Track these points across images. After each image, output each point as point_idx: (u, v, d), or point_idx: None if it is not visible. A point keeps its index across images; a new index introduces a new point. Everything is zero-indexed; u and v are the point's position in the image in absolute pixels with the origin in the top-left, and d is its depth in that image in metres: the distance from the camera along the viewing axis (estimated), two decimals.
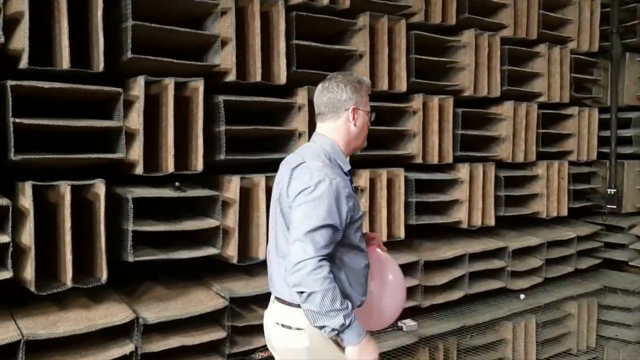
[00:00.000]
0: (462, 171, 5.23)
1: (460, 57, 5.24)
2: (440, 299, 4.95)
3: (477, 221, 5.35)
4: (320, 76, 2.23)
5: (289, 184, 1.95)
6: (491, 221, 5.47)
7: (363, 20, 4.49)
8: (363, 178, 4.51)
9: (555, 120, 6.28)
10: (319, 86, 2.09)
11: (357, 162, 4.56)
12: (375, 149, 4.73)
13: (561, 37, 6.12)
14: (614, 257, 6.62)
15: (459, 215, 5.24)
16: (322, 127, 2.09)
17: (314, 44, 4.20)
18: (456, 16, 5.15)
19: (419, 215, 4.93)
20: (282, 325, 2.01)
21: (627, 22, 6.64)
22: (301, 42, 4.12)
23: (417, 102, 4.88)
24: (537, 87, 5.93)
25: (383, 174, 4.63)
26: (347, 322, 1.82)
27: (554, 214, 6.09)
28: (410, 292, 4.73)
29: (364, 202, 4.49)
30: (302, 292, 1.81)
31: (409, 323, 4.57)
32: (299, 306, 1.88)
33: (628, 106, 6.67)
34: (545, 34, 5.90)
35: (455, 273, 5.05)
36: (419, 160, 4.94)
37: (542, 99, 5.93)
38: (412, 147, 4.91)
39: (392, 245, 4.84)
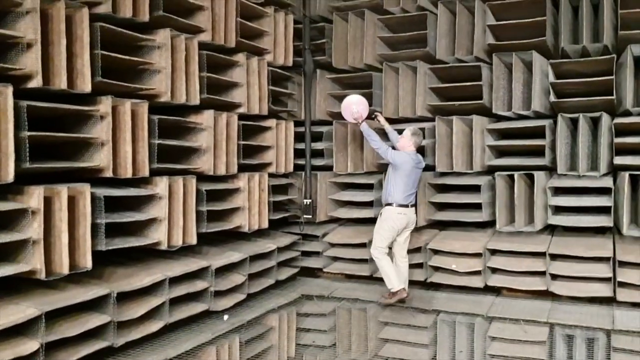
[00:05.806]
0: (160, 185, 4.69)
1: (155, 58, 4.70)
2: (137, 334, 4.30)
3: (178, 240, 4.86)
4: None
5: (422, 163, 5.74)
6: (193, 239, 5.04)
7: (32, 1, 3.62)
8: (35, 197, 3.62)
9: (254, 132, 6.21)
10: (417, 131, 5.70)
11: (28, 176, 3.68)
12: (52, 160, 3.91)
13: (258, 48, 6.07)
14: (310, 264, 6.87)
15: (158, 235, 4.68)
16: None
17: None
18: (149, 13, 4.61)
19: (110, 238, 4.22)
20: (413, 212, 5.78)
21: (317, 40, 7.00)
22: None
23: (105, 105, 4.18)
24: (237, 97, 5.76)
25: (63, 191, 3.80)
26: None
27: (256, 227, 5.99)
28: (101, 331, 4.01)
29: (36, 227, 3.62)
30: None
31: None
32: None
33: (320, 120, 7.01)
34: (244, 43, 5.76)
35: (154, 302, 4.46)
36: (109, 173, 4.23)
37: (242, 109, 5.78)
38: (101, 159, 4.18)
39: (76, 277, 4.04)
